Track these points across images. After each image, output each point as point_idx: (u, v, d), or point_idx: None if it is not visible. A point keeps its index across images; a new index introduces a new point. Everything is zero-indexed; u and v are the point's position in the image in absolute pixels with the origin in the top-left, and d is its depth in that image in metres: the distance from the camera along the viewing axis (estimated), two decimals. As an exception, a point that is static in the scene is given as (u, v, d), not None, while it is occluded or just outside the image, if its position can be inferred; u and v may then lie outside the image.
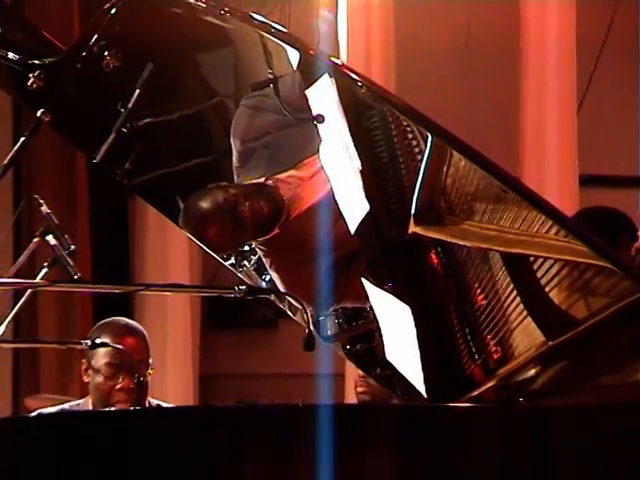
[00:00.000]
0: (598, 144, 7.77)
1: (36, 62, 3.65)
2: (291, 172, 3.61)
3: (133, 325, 4.97)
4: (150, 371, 4.89)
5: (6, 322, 4.81)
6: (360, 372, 4.95)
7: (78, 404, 5.07)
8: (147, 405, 4.89)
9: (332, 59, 3.22)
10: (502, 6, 7.73)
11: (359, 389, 4.97)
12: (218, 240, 3.71)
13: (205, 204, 3.63)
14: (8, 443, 3.08)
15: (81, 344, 4.84)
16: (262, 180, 3.63)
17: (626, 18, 8.17)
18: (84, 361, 4.90)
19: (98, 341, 4.75)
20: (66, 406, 5.10)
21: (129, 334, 4.87)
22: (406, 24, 7.78)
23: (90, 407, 4.92)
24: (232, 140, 3.67)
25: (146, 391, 4.86)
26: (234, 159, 3.69)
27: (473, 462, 2.77)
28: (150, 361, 4.93)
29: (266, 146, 3.61)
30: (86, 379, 4.92)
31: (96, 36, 3.40)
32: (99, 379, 4.80)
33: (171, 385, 7.37)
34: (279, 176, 3.61)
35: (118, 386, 4.79)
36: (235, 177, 3.70)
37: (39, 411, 5.12)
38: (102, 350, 4.78)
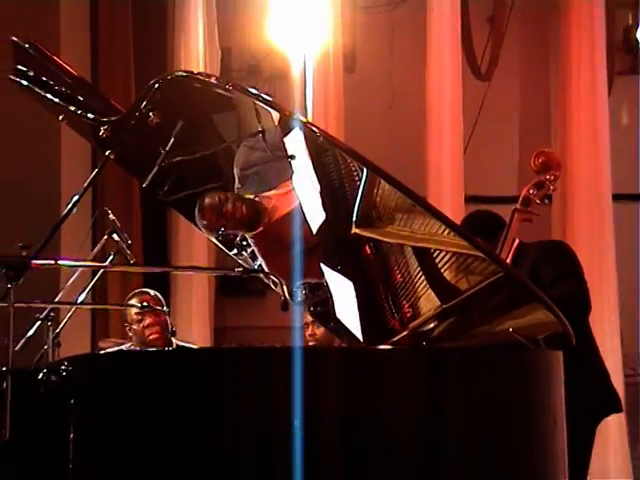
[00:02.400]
0: (476, 174, 7.80)
1: (105, 120, 3.65)
2: (272, 191, 3.61)
3: (148, 290, 5.07)
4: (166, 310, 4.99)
5: (86, 291, 4.80)
6: (308, 332, 5.01)
7: (130, 345, 5.10)
8: (175, 345, 4.95)
9: (301, 118, 3.23)
10: (414, 82, 7.75)
11: (309, 343, 5.05)
12: (208, 224, 3.72)
13: (206, 199, 3.67)
14: (86, 371, 3.10)
15: (134, 306, 4.88)
16: (252, 196, 3.63)
17: (495, 93, 8.20)
18: (125, 324, 4.98)
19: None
20: (123, 347, 5.11)
21: (146, 294, 4.96)
22: (351, 93, 7.80)
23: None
24: (234, 169, 3.67)
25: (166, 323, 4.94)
26: (236, 182, 3.69)
27: (392, 384, 2.78)
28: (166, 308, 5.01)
29: (257, 173, 3.61)
30: (130, 333, 4.99)
31: (144, 102, 3.39)
32: (135, 327, 4.86)
33: (195, 333, 7.37)
34: (264, 194, 3.61)
35: (145, 323, 4.85)
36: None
37: (106, 349, 5.15)
38: (131, 308, 4.88)
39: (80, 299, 4.83)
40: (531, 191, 4.20)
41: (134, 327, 4.95)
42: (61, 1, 7.98)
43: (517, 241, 4.20)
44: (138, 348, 4.95)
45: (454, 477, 2.77)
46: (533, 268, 4.15)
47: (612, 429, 6.72)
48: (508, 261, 4.07)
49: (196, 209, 3.72)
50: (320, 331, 4.92)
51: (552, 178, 4.21)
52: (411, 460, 2.74)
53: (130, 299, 5.04)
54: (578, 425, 3.42)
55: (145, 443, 2.82)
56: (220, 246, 3.90)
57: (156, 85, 3.33)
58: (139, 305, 4.85)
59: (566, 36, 7.70)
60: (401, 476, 2.73)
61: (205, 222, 3.72)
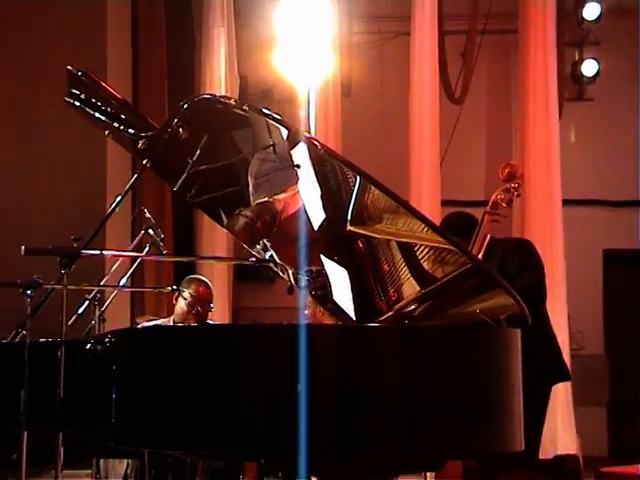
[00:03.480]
0: (450, 182, 7.81)
1: (143, 134, 3.62)
2: (282, 194, 3.57)
3: (206, 280, 4.96)
4: (212, 308, 4.88)
5: (127, 276, 4.80)
6: (307, 313, 4.95)
7: (163, 321, 5.06)
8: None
9: (305, 134, 3.22)
10: (400, 105, 7.75)
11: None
12: (245, 241, 3.71)
13: (236, 226, 3.63)
14: (126, 342, 3.09)
15: (165, 288, 4.85)
16: (265, 199, 3.60)
17: (466, 115, 8.21)
18: (176, 296, 4.86)
19: (185, 286, 4.76)
20: (159, 321, 5.07)
21: (203, 284, 4.85)
22: (347, 114, 7.81)
23: (171, 323, 4.90)
24: (249, 178, 3.64)
25: (206, 318, 4.85)
26: (250, 188, 3.66)
27: (380, 354, 2.76)
28: (213, 303, 4.91)
29: (268, 181, 3.58)
30: (175, 303, 4.89)
31: (175, 120, 3.37)
32: (183, 305, 4.77)
33: (217, 313, 7.36)
34: (275, 197, 3.58)
35: (194, 311, 4.76)
36: (251, 197, 3.67)
37: (142, 324, 5.11)
38: (191, 289, 4.76)
39: (121, 283, 4.83)
40: (499, 196, 4.18)
41: (182, 306, 4.82)
42: (108, 37, 8.05)
43: (489, 237, 4.19)
44: (171, 322, 4.91)
45: (430, 429, 2.76)
46: (502, 260, 4.15)
47: (560, 393, 6.73)
48: (481, 254, 4.07)
49: (229, 231, 3.68)
50: (318, 309, 4.87)
51: (516, 186, 4.20)
52: (394, 415, 2.72)
53: (189, 282, 4.88)
54: (535, 390, 3.42)
55: (175, 400, 2.80)
56: (238, 240, 3.89)
57: (185, 106, 3.30)
58: (189, 293, 4.72)
59: (524, 69, 7.78)
60: (386, 429, 2.72)
61: (244, 241, 3.71)
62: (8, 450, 3.58)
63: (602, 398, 8.50)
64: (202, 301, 4.79)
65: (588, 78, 8.69)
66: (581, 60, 8.72)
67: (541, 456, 4.19)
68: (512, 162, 4.53)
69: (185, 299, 4.72)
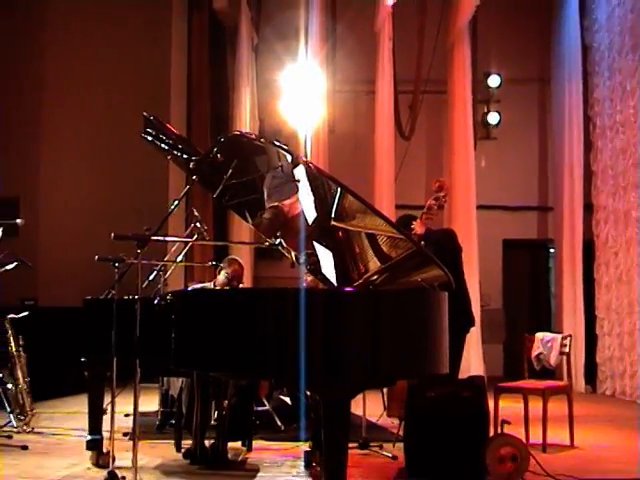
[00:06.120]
0: (401, 192, 7.82)
1: (193, 158, 3.59)
2: (287, 200, 3.52)
3: (239, 260, 4.80)
4: (243, 282, 4.70)
5: (182, 254, 4.72)
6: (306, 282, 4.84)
7: (207, 285, 4.97)
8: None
9: (303, 158, 3.18)
10: (368, 139, 7.80)
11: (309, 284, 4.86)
12: (265, 234, 3.60)
13: (261, 226, 3.48)
14: (181, 299, 3.05)
15: (207, 263, 4.73)
16: (276, 204, 3.55)
17: (413, 148, 8.21)
18: (219, 270, 4.66)
19: (226, 265, 4.53)
20: (208, 285, 4.95)
21: (240, 266, 4.64)
22: (333, 145, 7.79)
23: (212, 286, 4.79)
24: (264, 188, 3.59)
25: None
26: (265, 196, 3.61)
27: (353, 309, 2.73)
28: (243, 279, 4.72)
29: (278, 191, 3.53)
30: (217, 275, 4.72)
31: (215, 149, 3.34)
32: (224, 279, 4.56)
33: (244, 280, 7.33)
34: (283, 202, 3.53)
35: (231, 285, 4.56)
36: (265, 203, 3.62)
37: (191, 287, 5.03)
38: (230, 269, 4.52)
39: (178, 259, 4.78)
40: (431, 202, 4.15)
41: (223, 279, 4.53)
42: (171, 98, 8.18)
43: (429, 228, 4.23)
44: (212, 286, 4.81)
45: (386, 359, 2.72)
46: (436, 242, 4.15)
47: (473, 334, 6.71)
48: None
49: (256, 228, 3.54)
50: (311, 278, 4.80)
51: (444, 195, 4.17)
52: (362, 351, 2.69)
53: (230, 262, 4.56)
54: (457, 333, 3.40)
55: (214, 339, 2.77)
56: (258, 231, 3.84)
57: (222, 139, 3.29)
58: (223, 268, 4.48)
59: (451, 117, 7.90)
60: (356, 359, 2.69)
61: (264, 234, 3.57)
62: (104, 370, 3.64)
63: (500, 338, 8.60)
64: (237, 277, 4.67)
65: (493, 125, 9.02)
66: (488, 112, 9.01)
67: (459, 376, 4.18)
68: (441, 179, 4.50)
69: (226, 275, 4.56)
